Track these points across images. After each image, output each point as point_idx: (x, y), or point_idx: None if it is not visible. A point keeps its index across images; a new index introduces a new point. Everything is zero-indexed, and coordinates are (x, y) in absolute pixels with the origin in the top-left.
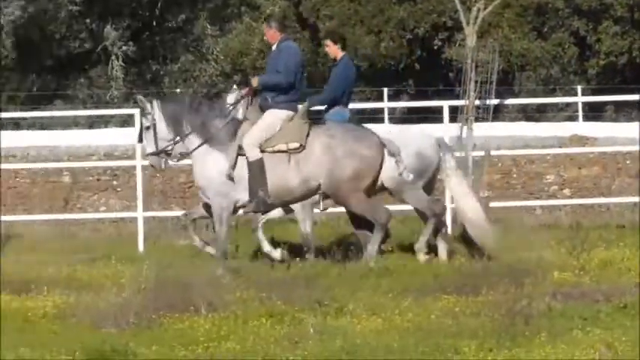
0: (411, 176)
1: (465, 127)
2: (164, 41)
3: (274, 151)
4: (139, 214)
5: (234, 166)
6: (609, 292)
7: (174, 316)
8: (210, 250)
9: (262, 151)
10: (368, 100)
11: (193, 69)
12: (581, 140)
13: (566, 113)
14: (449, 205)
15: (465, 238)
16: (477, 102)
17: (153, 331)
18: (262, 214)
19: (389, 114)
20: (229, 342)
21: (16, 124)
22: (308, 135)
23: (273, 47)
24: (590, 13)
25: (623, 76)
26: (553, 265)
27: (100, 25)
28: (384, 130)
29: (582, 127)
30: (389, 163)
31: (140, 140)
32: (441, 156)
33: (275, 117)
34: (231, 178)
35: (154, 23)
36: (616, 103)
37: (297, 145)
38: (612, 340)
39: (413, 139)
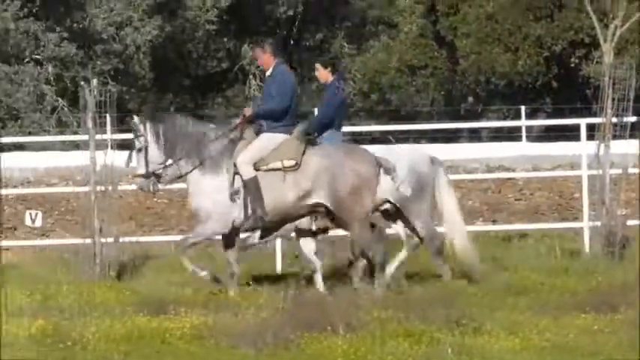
0: (410, 190)
1: (603, 145)
2: (301, 60)
3: (269, 169)
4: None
5: (232, 186)
6: None
7: (312, 335)
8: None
9: (257, 170)
10: (505, 118)
11: None
12: None
13: None
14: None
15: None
16: (614, 119)
17: (290, 351)
18: (261, 238)
19: (526, 132)
20: None
21: None
22: (304, 153)
23: (267, 73)
24: None
25: None
26: None
27: (237, 44)
28: (376, 148)
29: None
30: (386, 179)
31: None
32: (435, 172)
33: (270, 139)
34: (233, 199)
35: (292, 42)
36: None
37: (292, 162)
38: None
39: (406, 156)
